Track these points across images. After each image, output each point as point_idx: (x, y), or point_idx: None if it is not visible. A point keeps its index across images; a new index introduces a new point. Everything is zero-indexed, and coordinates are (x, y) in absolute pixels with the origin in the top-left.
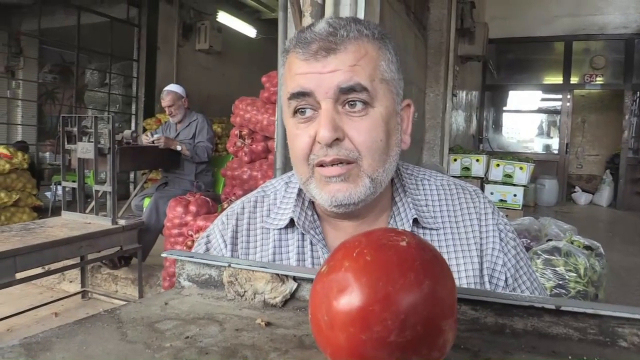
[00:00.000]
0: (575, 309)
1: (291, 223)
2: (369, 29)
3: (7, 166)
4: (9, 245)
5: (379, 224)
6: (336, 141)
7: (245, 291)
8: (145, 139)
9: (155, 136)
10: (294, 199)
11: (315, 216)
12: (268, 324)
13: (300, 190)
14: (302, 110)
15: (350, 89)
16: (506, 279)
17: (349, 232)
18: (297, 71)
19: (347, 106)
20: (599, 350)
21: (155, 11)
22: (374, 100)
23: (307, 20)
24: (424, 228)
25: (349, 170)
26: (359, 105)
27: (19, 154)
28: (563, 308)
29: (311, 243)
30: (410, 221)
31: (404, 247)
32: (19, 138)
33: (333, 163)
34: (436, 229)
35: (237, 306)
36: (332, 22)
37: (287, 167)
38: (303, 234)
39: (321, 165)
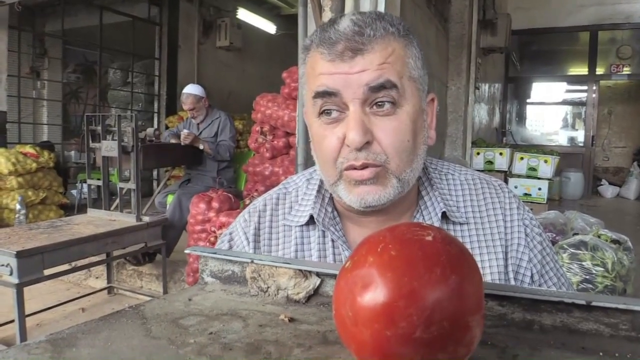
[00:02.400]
0: (607, 305)
1: (312, 220)
2: (394, 25)
3: (34, 165)
4: (37, 243)
5: (403, 220)
6: (366, 144)
7: (268, 287)
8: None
9: (186, 131)
10: (314, 195)
11: (335, 212)
12: (291, 319)
13: (320, 186)
14: (328, 111)
15: (381, 87)
16: (532, 275)
17: (372, 228)
18: (321, 71)
19: (374, 107)
20: (632, 346)
21: (176, 9)
22: (402, 98)
23: (327, 15)
24: (449, 222)
25: (378, 173)
26: (387, 106)
27: (45, 152)
28: (594, 303)
29: (332, 240)
30: (439, 215)
31: (430, 241)
32: (45, 137)
33: (363, 167)
34: (461, 224)
35: (261, 302)
36: (357, 20)
37: (308, 162)
38: (324, 231)
39: (350, 169)
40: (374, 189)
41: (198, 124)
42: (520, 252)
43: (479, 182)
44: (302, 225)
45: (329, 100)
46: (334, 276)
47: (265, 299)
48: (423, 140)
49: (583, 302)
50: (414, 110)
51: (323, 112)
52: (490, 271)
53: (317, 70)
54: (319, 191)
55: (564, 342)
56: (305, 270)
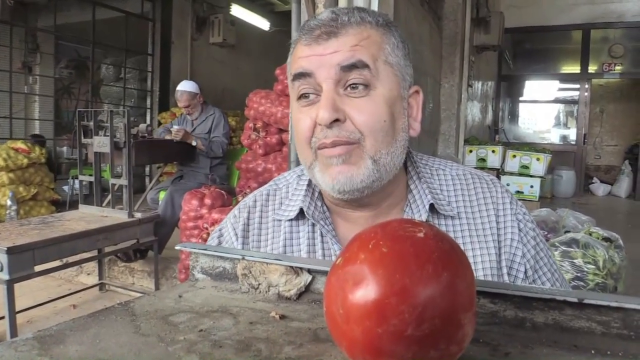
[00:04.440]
0: (598, 302)
1: (302, 214)
2: (372, 16)
3: (26, 161)
4: (28, 239)
5: (393, 215)
6: (336, 122)
7: (259, 284)
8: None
9: (176, 127)
10: (304, 189)
11: (325, 207)
12: (282, 317)
13: (310, 181)
14: (306, 94)
15: (352, 66)
16: (525, 270)
17: (361, 224)
18: (300, 55)
19: (348, 89)
20: (623, 344)
21: (169, 5)
22: (376, 80)
23: (320, 11)
24: (440, 216)
25: (350, 151)
26: (360, 88)
27: (37, 148)
28: (586, 301)
29: (321, 234)
30: (427, 207)
31: (421, 238)
32: (37, 132)
33: (334, 145)
34: (452, 217)
35: (251, 299)
36: (336, 10)
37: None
38: (314, 225)
39: (323, 148)
40: (345, 169)
41: (193, 120)
42: (514, 247)
43: (470, 177)
44: (291, 220)
45: (305, 82)
46: (325, 273)
47: (256, 295)
48: (403, 127)
49: (575, 300)
50: (390, 95)
51: (301, 97)
52: (482, 266)
53: (296, 55)
54: (309, 185)
55: (556, 340)
56: (296, 267)
